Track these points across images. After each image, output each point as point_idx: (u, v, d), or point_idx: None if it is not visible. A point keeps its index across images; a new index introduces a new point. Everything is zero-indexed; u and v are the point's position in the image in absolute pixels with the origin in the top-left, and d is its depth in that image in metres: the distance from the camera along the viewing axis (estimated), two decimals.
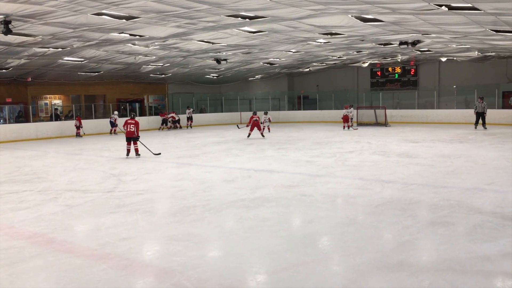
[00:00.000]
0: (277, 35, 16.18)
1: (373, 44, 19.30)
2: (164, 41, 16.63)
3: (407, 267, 4.22)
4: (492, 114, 22.43)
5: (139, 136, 12.79)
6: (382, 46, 19.86)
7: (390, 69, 28.99)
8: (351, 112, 21.94)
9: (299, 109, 31.44)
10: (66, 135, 21.78)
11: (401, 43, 17.86)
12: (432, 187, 7.82)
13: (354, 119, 23.22)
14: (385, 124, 23.45)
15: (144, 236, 5.49)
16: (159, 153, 13.21)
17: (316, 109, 29.98)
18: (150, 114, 28.31)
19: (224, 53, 20.66)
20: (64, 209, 6.91)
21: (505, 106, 23.72)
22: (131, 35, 14.96)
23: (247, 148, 14.77)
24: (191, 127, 25.95)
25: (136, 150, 12.78)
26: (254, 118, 18.01)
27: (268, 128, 20.21)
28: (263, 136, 18.16)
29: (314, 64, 27.72)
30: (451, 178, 8.57)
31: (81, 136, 21.08)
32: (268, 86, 33.89)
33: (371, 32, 15.78)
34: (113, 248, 4.97)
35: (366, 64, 28.02)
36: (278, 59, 24.08)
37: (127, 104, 27.13)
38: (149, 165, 11.31)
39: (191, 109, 26.76)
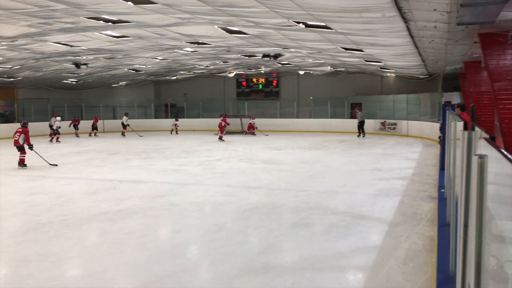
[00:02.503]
0: (142, 41, 15.72)
1: (239, 55, 19.99)
2: (12, 41, 14.89)
3: (272, 268, 4.42)
4: (341, 123, 25.05)
5: (31, 145, 11.88)
6: (247, 57, 20.69)
7: (254, 80, 30.34)
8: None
9: (167, 117, 31.00)
10: None
11: (264, 55, 18.82)
12: (294, 191, 8.35)
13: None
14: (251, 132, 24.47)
15: None
16: (56, 164, 12.13)
17: (183, 117, 29.90)
18: None
19: (84, 57, 19.35)
20: None
21: (352, 116, 26.56)
22: None
23: (110, 158, 14.02)
24: (124, 135, 24.12)
25: (21, 161, 11.82)
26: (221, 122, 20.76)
27: (176, 131, 25.59)
28: (221, 139, 20.43)
29: (182, 72, 27.65)
30: (310, 182, 9.26)
31: None
32: (134, 93, 32.73)
33: (237, 44, 16.33)
34: None
35: (232, 74, 28.89)
36: (144, 66, 23.42)
37: None
38: None
39: (127, 116, 25.02)
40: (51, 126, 23.45)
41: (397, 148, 16.14)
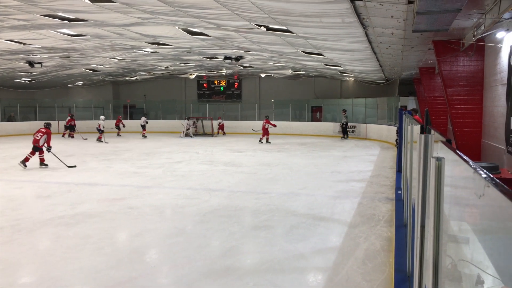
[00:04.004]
0: (100, 40, 15.31)
1: (200, 57, 19.84)
2: None
3: (233, 271, 4.39)
4: (302, 126, 25.36)
5: (50, 147, 12.20)
6: (208, 59, 20.58)
7: (216, 82, 30.23)
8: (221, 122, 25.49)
9: (125, 118, 30.30)
10: None
11: (226, 58, 18.79)
12: (255, 193, 8.35)
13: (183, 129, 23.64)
14: (211, 134, 24.35)
15: None
16: (75, 166, 12.14)
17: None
18: None
19: (39, 56, 18.64)
20: None
21: (313, 119, 26.97)
22: None
23: (66, 160, 13.52)
24: (145, 136, 23.88)
25: (41, 160, 12.19)
26: (264, 125, 19.56)
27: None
28: (268, 141, 19.56)
29: (141, 73, 27.14)
30: (271, 184, 9.30)
31: None
32: (91, 94, 31.84)
33: (198, 45, 16.20)
34: None
35: (193, 76, 28.65)
36: (101, 66, 22.80)
37: None
38: None
39: (145, 117, 24.83)
40: (66, 127, 23.52)
41: (356, 151, 16.51)
